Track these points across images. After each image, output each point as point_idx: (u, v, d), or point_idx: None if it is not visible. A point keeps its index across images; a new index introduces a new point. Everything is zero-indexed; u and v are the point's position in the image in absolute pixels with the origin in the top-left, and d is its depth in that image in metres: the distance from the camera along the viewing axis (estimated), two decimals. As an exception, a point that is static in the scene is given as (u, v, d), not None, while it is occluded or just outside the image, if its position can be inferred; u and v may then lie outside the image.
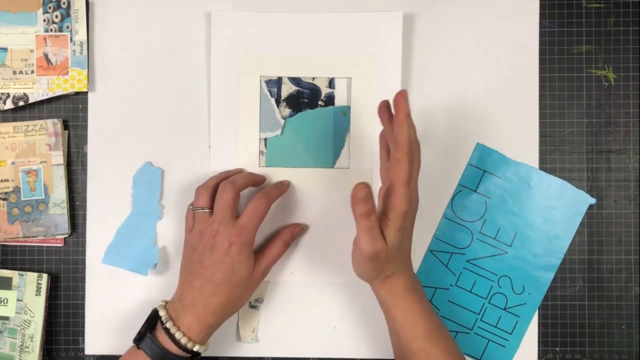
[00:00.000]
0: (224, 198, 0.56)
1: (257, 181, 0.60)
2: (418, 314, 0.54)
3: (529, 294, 0.62)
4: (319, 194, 0.62)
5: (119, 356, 0.59)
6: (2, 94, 0.62)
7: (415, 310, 0.54)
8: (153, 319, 0.56)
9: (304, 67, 0.62)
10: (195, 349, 0.54)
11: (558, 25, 0.63)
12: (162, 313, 0.55)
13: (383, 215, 0.51)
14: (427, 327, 0.54)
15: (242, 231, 0.55)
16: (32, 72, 0.62)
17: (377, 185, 0.62)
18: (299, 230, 0.61)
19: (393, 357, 0.62)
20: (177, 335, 0.54)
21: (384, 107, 0.55)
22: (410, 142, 0.49)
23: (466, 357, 0.62)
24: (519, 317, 0.62)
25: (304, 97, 0.62)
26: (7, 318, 0.62)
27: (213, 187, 0.58)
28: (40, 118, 0.63)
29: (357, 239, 0.52)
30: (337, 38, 0.62)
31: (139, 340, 0.55)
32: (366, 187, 0.48)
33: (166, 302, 0.57)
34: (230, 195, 0.56)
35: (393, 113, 0.51)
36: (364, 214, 0.49)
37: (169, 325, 0.54)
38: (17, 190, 0.62)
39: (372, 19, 0.61)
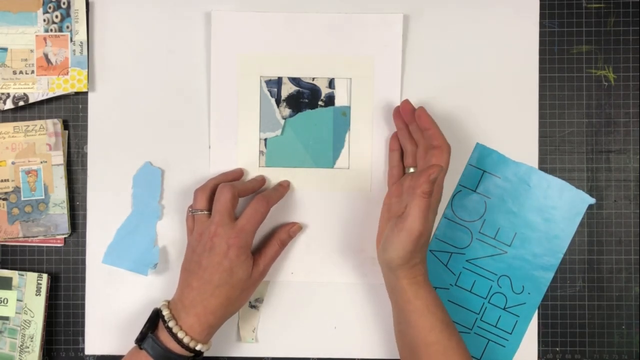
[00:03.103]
0: (222, 200, 0.56)
1: (256, 188, 0.60)
2: (436, 304, 0.55)
3: (529, 293, 0.62)
4: (319, 194, 0.62)
5: (119, 356, 0.59)
6: (2, 94, 0.62)
7: (434, 299, 0.55)
8: (154, 319, 0.56)
9: (304, 67, 0.62)
10: (198, 348, 0.55)
11: (558, 25, 0.63)
12: (165, 312, 0.55)
13: None
14: (444, 318, 0.55)
15: (240, 233, 0.55)
16: (32, 72, 0.62)
17: (376, 185, 0.62)
18: (296, 229, 0.61)
19: (392, 357, 0.62)
20: (180, 334, 0.54)
21: (399, 112, 0.59)
22: None
23: (466, 357, 0.62)
24: (518, 316, 0.62)
25: (304, 97, 0.62)
26: (7, 318, 0.62)
27: (211, 189, 0.58)
28: (40, 118, 0.63)
29: (405, 219, 0.53)
30: (338, 39, 0.62)
31: (141, 340, 0.55)
32: (440, 170, 0.52)
33: (168, 302, 0.57)
34: (228, 197, 0.56)
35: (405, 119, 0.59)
36: (427, 193, 0.51)
37: (171, 324, 0.54)
38: (17, 190, 0.62)
39: (373, 21, 0.61)
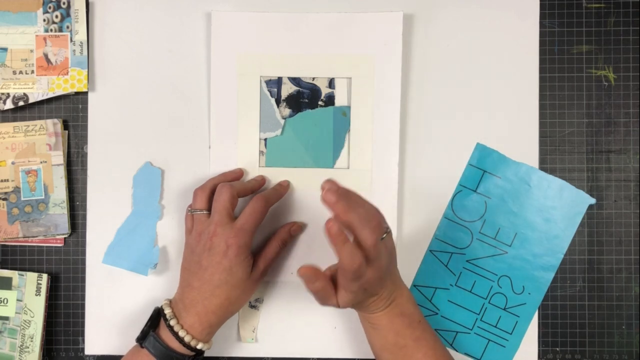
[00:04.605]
0: (221, 199, 0.56)
1: (256, 188, 0.60)
2: (387, 329, 0.55)
3: (529, 294, 0.62)
4: (318, 194, 0.62)
5: (119, 356, 0.59)
6: (2, 94, 0.62)
7: (385, 325, 0.55)
8: (156, 318, 0.56)
9: (304, 67, 0.62)
10: (199, 346, 0.55)
11: (558, 25, 0.63)
12: (167, 311, 0.55)
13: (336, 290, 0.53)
14: (396, 342, 0.54)
15: (239, 233, 0.55)
16: (32, 72, 0.62)
17: (376, 185, 0.62)
18: (297, 228, 0.61)
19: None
20: (181, 333, 0.54)
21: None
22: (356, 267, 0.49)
23: (466, 357, 0.62)
24: (519, 317, 0.62)
25: (304, 97, 0.62)
26: (7, 318, 0.62)
27: (210, 189, 0.58)
28: (40, 118, 0.63)
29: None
30: (337, 38, 0.62)
31: (142, 339, 0.55)
32: (316, 280, 0.50)
33: (170, 301, 0.57)
34: (227, 197, 0.56)
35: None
36: (313, 291, 0.51)
37: (172, 323, 0.54)
38: (17, 190, 0.62)
39: (372, 19, 0.61)
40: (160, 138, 0.63)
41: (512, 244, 0.62)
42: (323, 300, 0.52)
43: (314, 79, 0.62)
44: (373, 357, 0.63)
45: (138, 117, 0.63)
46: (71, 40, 0.62)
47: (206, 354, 0.58)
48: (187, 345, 0.54)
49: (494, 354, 0.62)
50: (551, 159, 0.62)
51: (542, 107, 0.62)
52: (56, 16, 0.62)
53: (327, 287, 0.51)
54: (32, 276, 0.62)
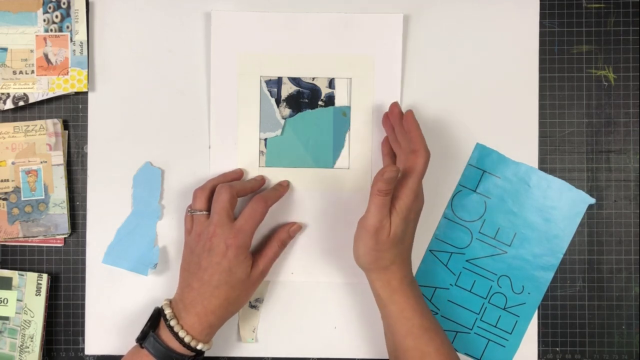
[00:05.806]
0: (221, 200, 0.56)
1: (255, 188, 0.60)
2: (413, 310, 0.55)
3: (529, 293, 0.62)
4: (318, 194, 0.62)
5: (119, 356, 0.59)
6: (2, 94, 0.62)
7: (411, 306, 0.55)
8: (156, 318, 0.56)
9: (304, 67, 0.62)
10: (199, 347, 0.55)
11: (558, 25, 0.63)
12: (167, 311, 0.55)
13: (390, 203, 0.54)
14: (422, 324, 0.55)
15: (238, 233, 0.55)
16: (32, 72, 0.62)
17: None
18: (296, 229, 0.61)
19: (393, 357, 0.62)
20: (181, 333, 0.54)
21: (387, 117, 0.60)
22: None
23: (466, 357, 0.62)
24: (518, 317, 0.62)
25: (304, 97, 0.62)
26: (7, 318, 0.62)
27: (210, 190, 0.58)
28: (40, 118, 0.63)
29: (364, 216, 0.54)
30: (338, 38, 0.62)
31: (142, 339, 0.55)
32: (396, 172, 0.51)
33: (170, 301, 0.57)
34: (226, 197, 0.56)
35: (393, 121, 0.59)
36: (382, 192, 0.52)
37: (173, 323, 0.54)
38: (17, 190, 0.62)
39: (373, 20, 0.61)
40: (160, 138, 0.63)
41: (511, 243, 0.62)
42: (382, 209, 0.53)
43: (314, 79, 0.62)
44: (372, 357, 0.63)
45: (138, 117, 0.63)
46: (71, 40, 0.62)
47: (206, 354, 0.58)
48: (187, 346, 0.54)
49: (494, 353, 0.62)
50: (551, 159, 0.62)
51: (542, 107, 0.62)
52: (56, 16, 0.62)
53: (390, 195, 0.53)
54: (32, 276, 0.62)
